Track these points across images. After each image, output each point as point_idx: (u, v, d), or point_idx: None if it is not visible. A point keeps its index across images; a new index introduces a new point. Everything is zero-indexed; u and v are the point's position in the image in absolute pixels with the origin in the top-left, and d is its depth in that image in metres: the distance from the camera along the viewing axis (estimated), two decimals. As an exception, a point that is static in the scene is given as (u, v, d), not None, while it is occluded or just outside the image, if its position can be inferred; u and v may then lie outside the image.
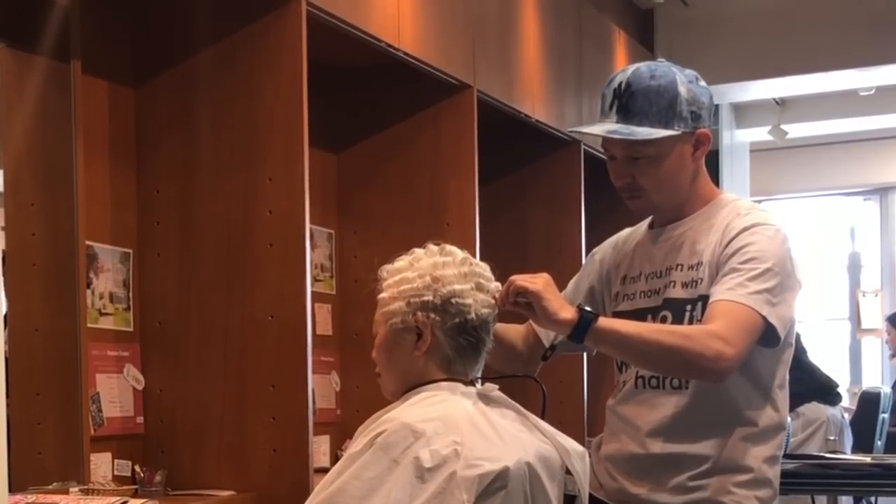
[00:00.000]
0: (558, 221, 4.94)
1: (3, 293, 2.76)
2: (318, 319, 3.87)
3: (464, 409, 1.84)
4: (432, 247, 1.96)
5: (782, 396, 2.29)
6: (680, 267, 2.27)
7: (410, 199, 3.96)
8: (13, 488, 2.38)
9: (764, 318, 2.12)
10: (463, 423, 1.79)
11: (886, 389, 6.72)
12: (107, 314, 3.11)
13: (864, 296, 9.01)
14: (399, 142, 3.99)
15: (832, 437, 5.45)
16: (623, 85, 2.24)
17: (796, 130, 8.22)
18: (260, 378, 3.04)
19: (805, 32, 6.37)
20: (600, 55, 5.38)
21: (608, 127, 2.24)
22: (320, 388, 3.89)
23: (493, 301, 1.95)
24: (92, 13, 3.01)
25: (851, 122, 8.28)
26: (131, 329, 3.18)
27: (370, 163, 4.02)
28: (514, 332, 2.40)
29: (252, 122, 3.08)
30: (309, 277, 3.04)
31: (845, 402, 6.61)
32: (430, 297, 1.89)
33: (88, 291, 3.02)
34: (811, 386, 5.73)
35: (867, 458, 4.38)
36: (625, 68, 2.28)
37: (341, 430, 3.97)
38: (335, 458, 3.74)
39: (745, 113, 8.11)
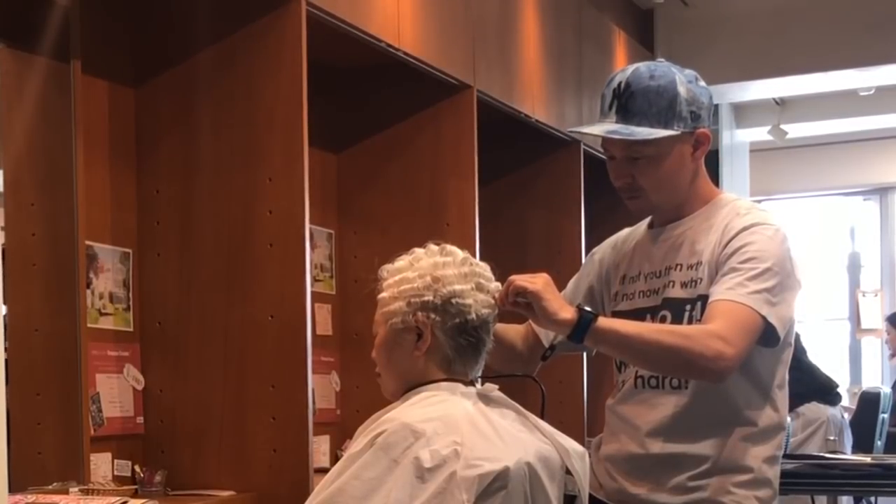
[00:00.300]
0: (558, 221, 4.94)
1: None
2: (318, 319, 3.87)
3: (464, 409, 1.84)
4: (433, 247, 1.96)
5: (782, 396, 2.29)
6: (679, 267, 2.28)
7: (410, 199, 3.96)
8: (13, 488, 2.38)
9: (763, 317, 2.12)
10: (463, 424, 1.79)
11: (886, 389, 6.72)
12: (107, 314, 3.11)
13: (863, 296, 9.01)
14: (399, 142, 3.99)
15: (832, 437, 5.45)
16: (622, 85, 2.24)
17: (796, 130, 8.22)
18: (260, 378, 3.04)
19: (805, 32, 6.36)
20: (600, 55, 5.38)
21: (608, 127, 2.24)
22: (320, 388, 3.89)
23: (493, 301, 1.95)
24: (92, 13, 3.01)
25: (851, 122, 8.28)
26: (131, 329, 3.18)
27: (370, 163, 4.03)
28: (513, 332, 2.40)
29: (252, 122, 3.08)
30: (309, 277, 3.04)
31: (845, 401, 6.61)
32: (431, 297, 1.89)
33: (88, 291, 3.02)
34: (811, 386, 5.73)
35: (867, 458, 4.38)
36: (624, 68, 2.29)
37: (341, 430, 3.97)
38: (335, 458, 3.74)
39: (744, 113, 8.11)
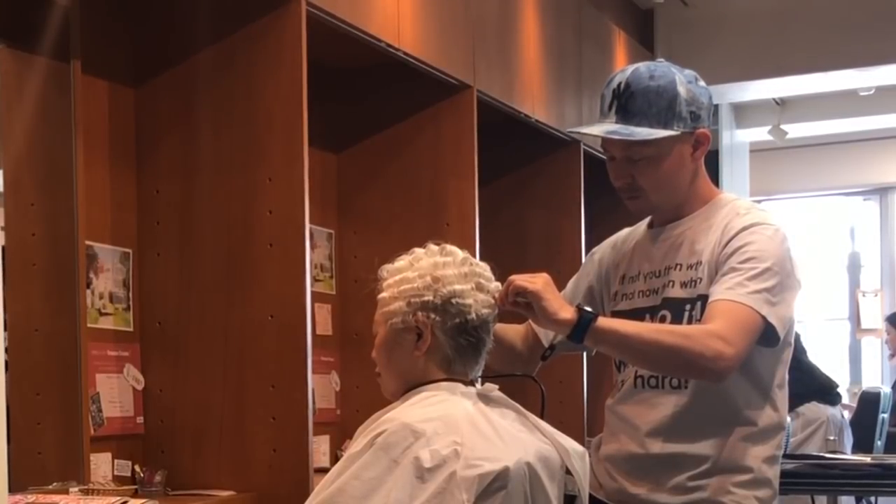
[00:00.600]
0: (558, 221, 4.94)
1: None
2: (318, 319, 3.87)
3: (464, 409, 1.84)
4: (433, 247, 1.96)
5: (782, 396, 2.29)
6: (679, 266, 2.28)
7: (410, 199, 3.96)
8: (13, 488, 2.38)
9: (763, 317, 2.12)
10: (463, 424, 1.79)
11: (886, 389, 6.72)
12: (107, 314, 3.11)
13: (863, 296, 9.01)
14: (399, 142, 3.99)
15: (832, 437, 5.46)
16: (622, 85, 2.24)
17: (796, 130, 8.22)
18: (260, 378, 3.04)
19: (805, 32, 6.36)
20: (600, 55, 5.38)
21: (607, 127, 2.24)
22: (320, 388, 3.89)
23: (493, 301, 1.95)
24: (92, 13, 3.01)
25: (851, 122, 8.28)
26: (131, 329, 3.18)
27: (370, 163, 4.03)
28: (513, 332, 2.40)
29: (252, 122, 3.08)
30: (309, 277, 3.04)
31: (845, 401, 6.61)
32: (431, 297, 1.89)
33: (88, 291, 3.02)
34: (811, 386, 5.74)
35: (867, 458, 4.39)
36: (624, 69, 2.29)
37: (341, 430, 3.97)
38: (335, 458, 3.74)
39: (744, 113, 8.11)
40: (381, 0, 3.47)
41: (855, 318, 9.07)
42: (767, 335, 2.15)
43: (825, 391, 5.88)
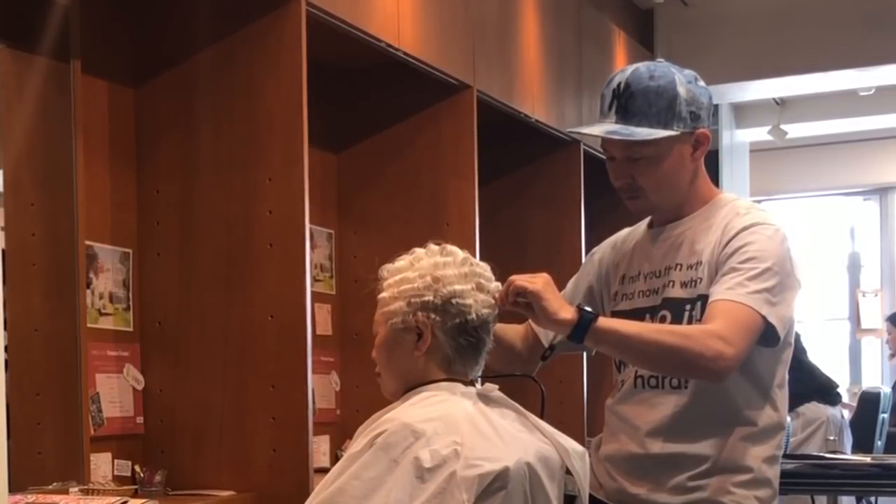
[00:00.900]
0: (558, 221, 4.94)
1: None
2: (318, 319, 3.87)
3: (464, 409, 1.84)
4: (433, 247, 1.96)
5: (782, 396, 2.29)
6: (679, 266, 2.28)
7: (410, 199, 3.96)
8: (13, 488, 2.38)
9: (763, 317, 2.12)
10: (463, 424, 1.79)
11: (886, 389, 6.72)
12: (107, 314, 3.11)
13: (863, 296, 9.01)
14: (399, 142, 3.99)
15: (832, 437, 5.46)
16: (622, 85, 2.24)
17: (796, 130, 8.22)
18: (260, 378, 3.04)
19: (805, 32, 6.36)
20: (600, 55, 5.38)
21: (607, 127, 2.24)
22: (320, 388, 3.89)
23: (493, 301, 1.95)
24: (92, 13, 3.01)
25: (851, 122, 8.28)
26: (131, 329, 3.18)
27: (370, 163, 4.03)
28: (513, 332, 2.40)
29: (252, 122, 3.08)
30: (309, 277, 3.04)
31: (845, 401, 6.61)
32: (431, 298, 1.89)
33: (88, 291, 3.02)
34: (811, 386, 5.74)
35: (867, 458, 4.39)
36: (624, 69, 2.29)
37: (341, 430, 3.97)
38: (335, 458, 3.74)
39: (744, 113, 8.11)
40: (381, 0, 3.47)
41: (855, 318, 9.07)
42: (768, 335, 2.15)
43: (825, 391, 5.88)
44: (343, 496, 1.75)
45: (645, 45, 6.35)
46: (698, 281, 2.23)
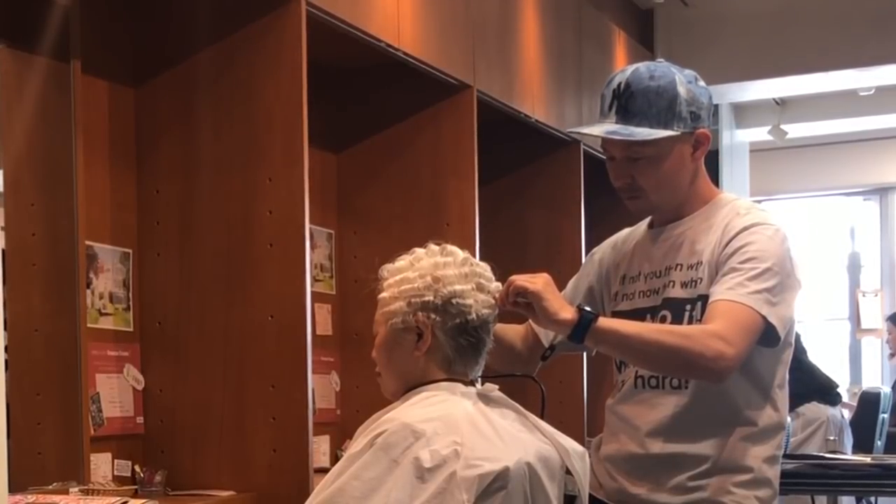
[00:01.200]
0: (558, 221, 4.94)
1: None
2: (318, 319, 3.87)
3: (464, 409, 1.84)
4: (433, 247, 1.96)
5: (782, 396, 2.29)
6: (679, 267, 2.28)
7: (410, 199, 3.96)
8: (13, 488, 2.38)
9: (764, 317, 2.12)
10: (463, 424, 1.79)
11: (886, 389, 6.72)
12: (107, 314, 3.11)
13: (863, 296, 9.01)
14: (399, 142, 3.99)
15: (832, 437, 5.46)
16: (622, 85, 2.24)
17: (796, 130, 8.22)
18: (260, 378, 3.04)
19: (805, 32, 6.36)
20: (600, 55, 5.38)
21: (607, 127, 2.24)
22: (320, 388, 3.89)
23: (493, 301, 1.95)
24: (92, 13, 3.01)
25: (851, 122, 8.28)
26: (131, 329, 3.18)
27: (370, 163, 4.03)
28: (513, 332, 2.40)
29: (252, 122, 3.08)
30: (309, 277, 3.04)
31: (845, 401, 6.61)
32: (431, 298, 1.89)
33: (88, 291, 3.02)
34: (811, 386, 5.74)
35: (867, 458, 4.39)
36: (624, 69, 2.29)
37: (341, 430, 3.97)
38: (335, 458, 3.74)
39: (745, 113, 8.11)
40: (381, 0, 3.47)
41: (855, 318, 9.07)
42: (768, 335, 2.15)
43: (825, 391, 5.88)
44: (343, 496, 1.75)
45: (645, 45, 6.35)
46: (698, 281, 2.23)
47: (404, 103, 3.97)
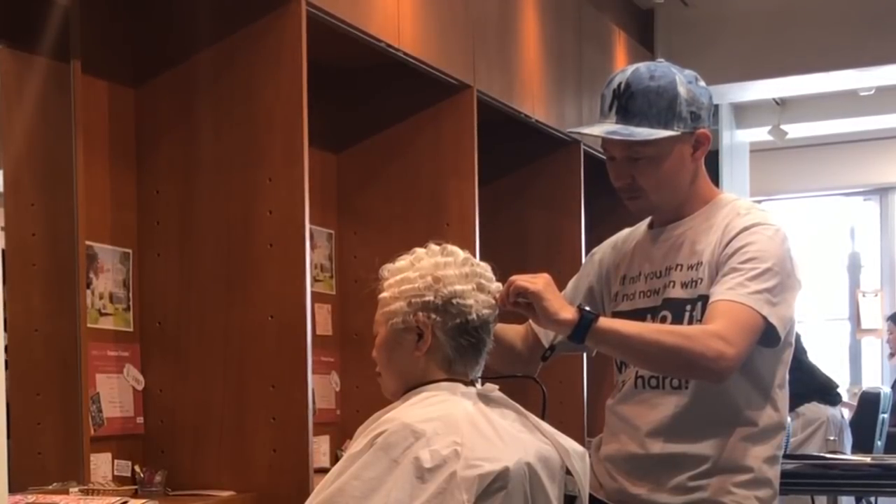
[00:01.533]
0: (558, 221, 4.94)
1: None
2: (318, 319, 3.87)
3: (464, 409, 1.84)
4: (434, 247, 1.96)
5: (782, 396, 2.29)
6: (679, 267, 2.28)
7: (410, 199, 3.96)
8: (13, 488, 2.38)
9: (764, 317, 2.12)
10: (463, 424, 1.79)
11: (886, 389, 6.72)
12: (107, 314, 3.11)
13: (864, 296, 9.01)
14: (399, 142, 3.99)
15: (832, 437, 5.46)
16: (622, 86, 2.24)
17: (796, 130, 8.22)
18: (260, 378, 3.04)
19: (805, 32, 6.36)
20: (600, 55, 5.38)
21: (608, 128, 2.24)
22: (320, 388, 3.89)
23: (493, 301, 1.95)
24: (92, 13, 3.01)
25: (851, 122, 8.28)
26: (131, 329, 3.18)
27: (370, 163, 4.02)
28: (513, 332, 2.40)
29: (252, 122, 3.08)
30: (309, 277, 3.04)
31: (845, 401, 6.61)
32: (432, 298, 1.89)
33: (88, 291, 3.02)
34: (811, 386, 5.74)
35: (867, 458, 4.39)
36: (624, 69, 2.29)
37: (341, 430, 3.97)
38: (335, 458, 3.74)
39: (745, 113, 8.11)
40: (381, 0, 3.47)
41: (855, 318, 9.07)
42: (768, 335, 2.15)
43: (825, 391, 5.88)
44: (343, 496, 1.75)
45: (645, 45, 6.35)
46: (699, 281, 2.23)
47: (404, 103, 3.97)
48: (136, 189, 3.20)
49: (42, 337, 2.96)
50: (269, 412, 3.03)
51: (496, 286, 1.97)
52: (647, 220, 2.41)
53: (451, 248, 1.95)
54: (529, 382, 2.12)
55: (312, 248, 3.68)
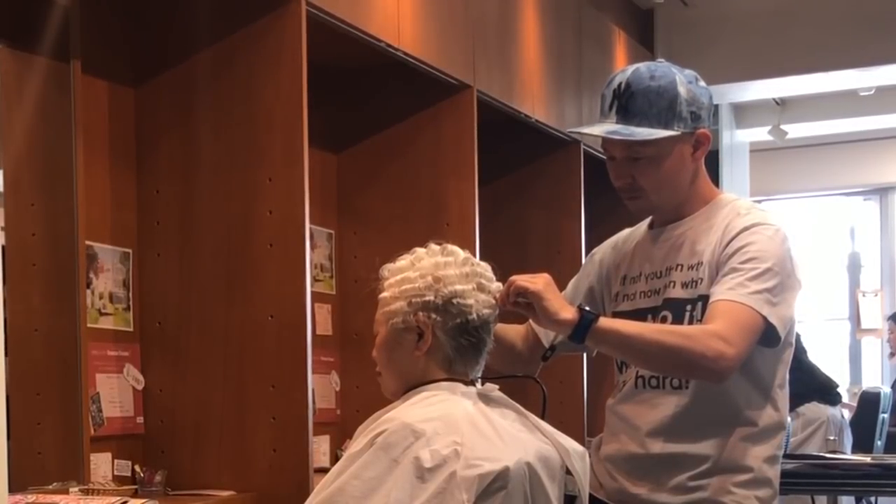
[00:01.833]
0: (558, 221, 4.94)
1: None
2: (318, 319, 3.87)
3: (464, 409, 1.84)
4: (434, 246, 1.96)
5: (782, 396, 2.29)
6: (680, 267, 2.28)
7: (410, 199, 3.96)
8: (13, 488, 2.38)
9: (764, 317, 2.12)
10: (463, 424, 1.79)
11: (886, 389, 6.72)
12: (107, 314, 3.11)
13: (863, 296, 9.01)
14: (399, 142, 3.99)
15: (832, 437, 5.46)
16: (623, 85, 2.24)
17: (796, 130, 8.22)
18: (260, 378, 3.04)
19: (805, 32, 6.36)
20: (600, 55, 5.38)
21: (608, 127, 2.24)
22: (320, 388, 3.89)
23: (494, 301, 1.95)
24: (92, 13, 3.01)
25: (851, 122, 8.28)
26: (131, 329, 3.18)
27: (370, 163, 4.02)
28: (513, 332, 2.40)
29: (252, 122, 3.08)
30: (309, 277, 3.03)
31: (845, 401, 6.61)
32: (432, 298, 1.89)
33: (88, 291, 3.02)
34: (811, 386, 5.74)
35: (867, 458, 4.39)
36: (624, 69, 2.29)
37: (341, 430, 3.97)
38: (335, 458, 3.74)
39: (745, 113, 8.11)
40: (381, 0, 3.47)
41: (855, 318, 9.07)
42: (768, 335, 2.15)
43: (825, 391, 5.87)
44: (343, 496, 1.75)
45: (645, 45, 6.35)
46: (699, 281, 2.23)
47: (404, 103, 3.97)
48: (136, 189, 3.20)
49: (42, 337, 2.96)
50: (269, 412, 3.03)
51: (496, 286, 1.97)
52: (647, 221, 2.41)
53: (451, 247, 1.95)
54: (529, 382, 2.12)
55: (312, 248, 3.68)
